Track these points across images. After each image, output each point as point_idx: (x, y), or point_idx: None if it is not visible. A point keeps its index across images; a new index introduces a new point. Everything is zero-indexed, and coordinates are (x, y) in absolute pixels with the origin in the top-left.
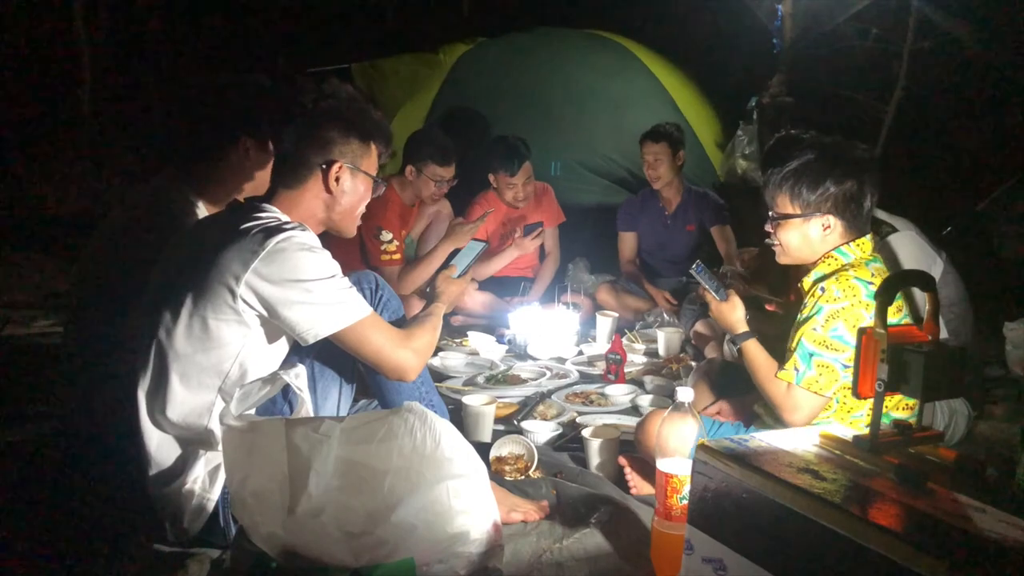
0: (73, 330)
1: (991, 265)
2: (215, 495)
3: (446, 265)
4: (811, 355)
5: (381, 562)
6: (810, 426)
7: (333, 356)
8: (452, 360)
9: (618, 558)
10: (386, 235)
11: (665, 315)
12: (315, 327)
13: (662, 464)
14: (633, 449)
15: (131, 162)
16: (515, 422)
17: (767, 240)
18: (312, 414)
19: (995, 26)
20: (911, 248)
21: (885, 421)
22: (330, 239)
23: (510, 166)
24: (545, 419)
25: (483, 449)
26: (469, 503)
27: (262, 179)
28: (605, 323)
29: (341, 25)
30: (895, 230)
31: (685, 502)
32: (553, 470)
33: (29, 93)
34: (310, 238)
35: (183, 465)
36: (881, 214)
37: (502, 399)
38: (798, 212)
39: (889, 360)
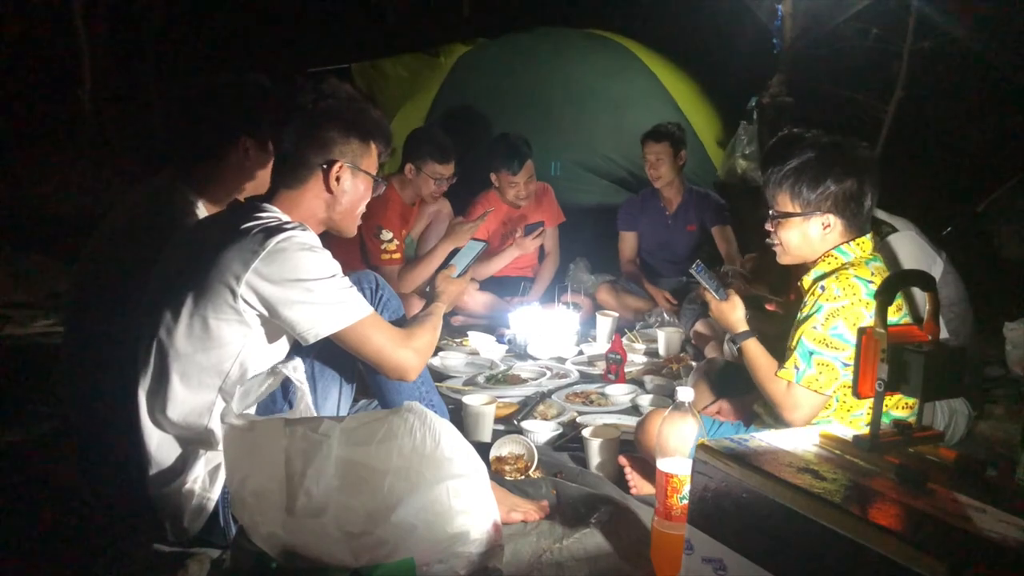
0: (73, 330)
1: (991, 265)
2: (215, 495)
3: (446, 264)
4: (811, 353)
5: (381, 562)
6: (810, 426)
7: (333, 356)
8: (452, 360)
9: (618, 558)
10: (386, 234)
11: (665, 315)
12: (316, 327)
13: (662, 464)
14: (633, 449)
15: (131, 162)
16: (515, 422)
17: (767, 240)
18: (312, 406)
19: (995, 26)
20: (911, 248)
21: (885, 420)
22: (330, 239)
23: (512, 164)
24: (545, 419)
25: (483, 449)
26: (469, 503)
27: (262, 179)
28: (605, 323)
29: (341, 25)
30: (895, 230)
31: (685, 502)
32: (553, 470)
33: (29, 93)
34: (311, 238)
35: (183, 465)
36: (881, 214)
37: (502, 399)
38: (798, 211)
39: (889, 360)
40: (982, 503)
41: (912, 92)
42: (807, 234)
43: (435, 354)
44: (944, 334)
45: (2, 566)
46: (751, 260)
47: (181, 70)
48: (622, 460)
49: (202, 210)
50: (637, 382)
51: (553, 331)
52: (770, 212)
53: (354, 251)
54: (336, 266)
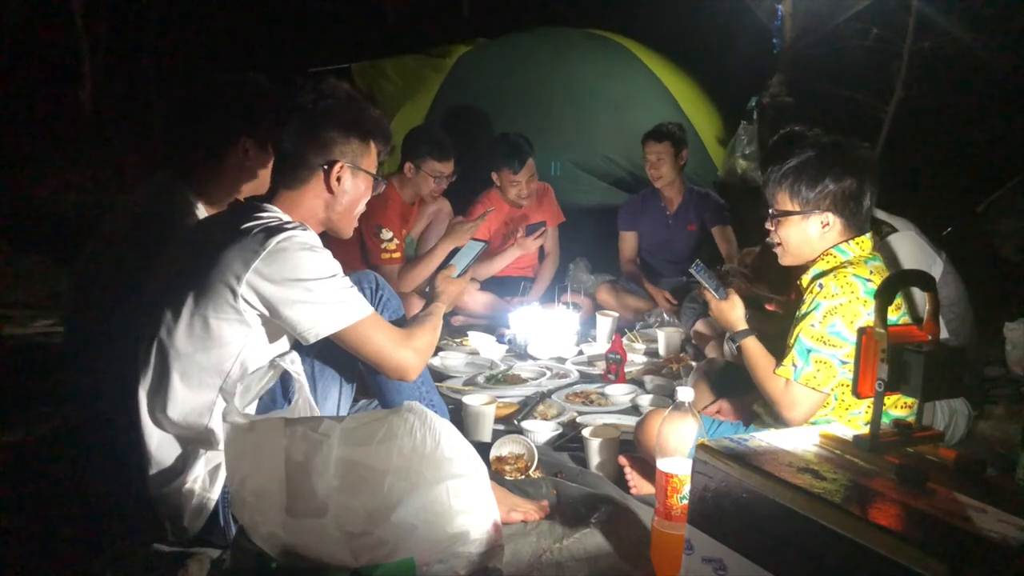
0: (73, 330)
1: (991, 265)
2: (215, 494)
3: (446, 264)
4: (809, 351)
5: (381, 562)
6: (810, 426)
7: (333, 356)
8: (452, 360)
9: (618, 558)
10: (386, 233)
11: (665, 315)
12: (316, 326)
13: (662, 464)
14: (633, 449)
15: (131, 162)
16: (515, 422)
17: (768, 240)
18: (311, 399)
19: (995, 26)
20: (911, 248)
21: (884, 420)
22: (330, 238)
23: (513, 163)
24: (545, 419)
25: (483, 449)
26: (469, 503)
27: (262, 179)
28: (605, 323)
29: (341, 25)
30: (895, 230)
31: (685, 502)
32: (553, 470)
33: (29, 93)
34: (311, 237)
35: (183, 464)
36: (881, 214)
37: (502, 399)
38: (797, 209)
39: (889, 360)
40: (982, 503)
41: (912, 92)
42: (806, 233)
43: (435, 354)
44: (944, 334)
45: (2, 566)
46: (750, 254)
47: (181, 70)
48: (622, 460)
49: (202, 210)
50: (637, 382)
51: (553, 331)
52: (770, 211)
53: (354, 251)
54: (337, 266)
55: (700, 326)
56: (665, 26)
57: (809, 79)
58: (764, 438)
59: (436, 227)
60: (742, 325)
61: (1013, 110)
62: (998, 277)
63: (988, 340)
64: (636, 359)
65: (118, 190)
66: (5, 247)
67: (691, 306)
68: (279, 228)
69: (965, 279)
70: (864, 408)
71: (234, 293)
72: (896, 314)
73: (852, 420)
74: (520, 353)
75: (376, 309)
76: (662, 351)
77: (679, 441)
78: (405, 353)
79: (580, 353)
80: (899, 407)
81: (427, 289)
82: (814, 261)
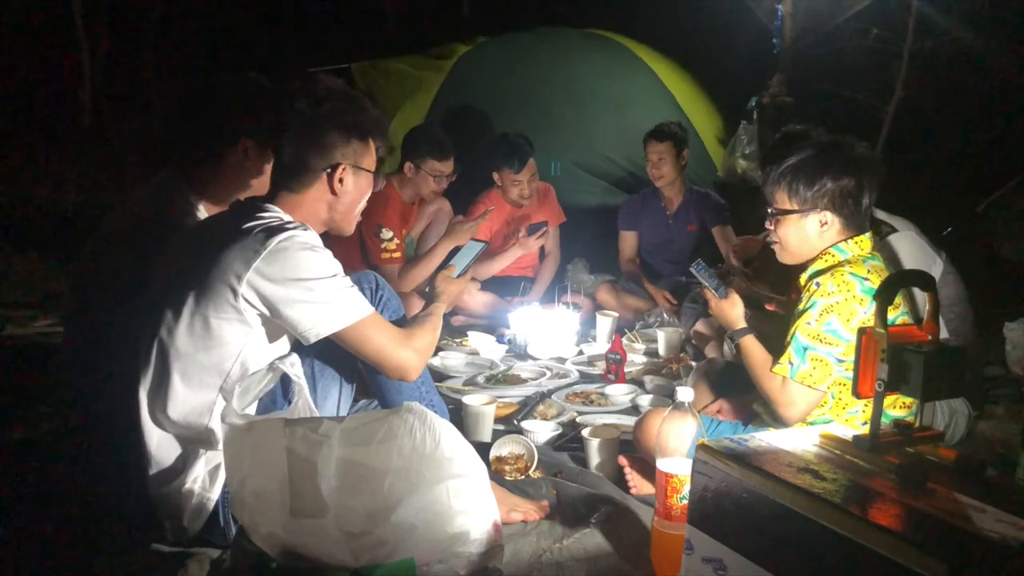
0: (73, 330)
1: (991, 265)
2: (215, 495)
3: (445, 264)
4: (805, 349)
5: (381, 562)
6: (808, 425)
7: (333, 356)
8: (452, 360)
9: (618, 558)
10: (386, 233)
11: (665, 315)
12: (317, 326)
13: (662, 464)
14: (633, 449)
15: (131, 162)
16: (515, 422)
17: (768, 239)
18: (311, 401)
19: (995, 26)
20: (911, 248)
21: (883, 420)
22: (331, 238)
23: (514, 163)
24: (545, 419)
25: (483, 449)
26: (469, 503)
27: (263, 179)
28: (605, 323)
29: (341, 25)
30: (895, 230)
31: (685, 502)
32: (553, 470)
33: (29, 93)
34: (312, 237)
35: (183, 464)
36: (881, 214)
37: (502, 399)
38: (795, 208)
39: (889, 360)
40: (982, 503)
41: (912, 92)
42: (804, 231)
43: (435, 354)
44: (944, 334)
45: (2, 566)
46: (750, 243)
47: (181, 70)
48: (622, 460)
49: (202, 211)
50: (637, 382)
51: (553, 331)
52: (769, 210)
53: (354, 251)
54: (337, 265)
55: (700, 326)
56: (665, 26)
57: (809, 79)
58: (764, 438)
59: (436, 227)
60: (741, 324)
61: (1013, 110)
62: (998, 277)
63: (988, 340)
64: (636, 359)
65: (118, 190)
66: (5, 247)
67: (691, 306)
68: (280, 228)
69: (965, 279)
70: (861, 407)
71: (235, 293)
72: (894, 313)
73: (850, 419)
74: (520, 353)
75: (376, 309)
76: (662, 351)
77: (679, 441)
78: (405, 353)
79: (580, 353)
80: (897, 407)
81: (427, 289)
82: (813, 260)
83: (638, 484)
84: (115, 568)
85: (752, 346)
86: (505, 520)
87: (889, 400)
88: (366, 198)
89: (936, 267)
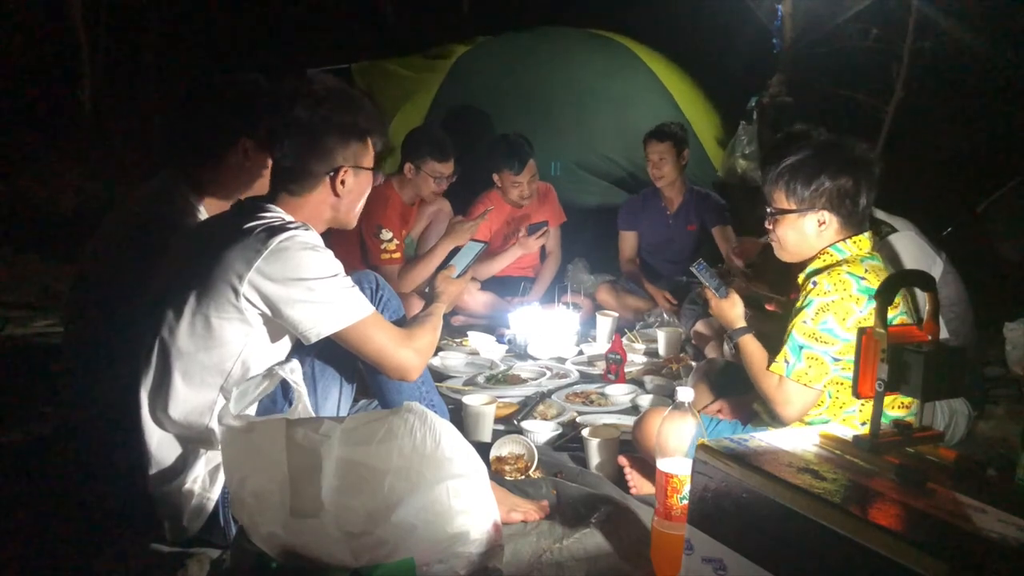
0: (73, 330)
1: (991, 265)
2: (215, 495)
3: (445, 264)
4: (801, 347)
5: (381, 562)
6: (806, 425)
7: (334, 356)
8: (452, 360)
9: (618, 558)
10: (386, 234)
11: (665, 315)
12: (317, 326)
13: (662, 464)
14: (633, 449)
15: (131, 162)
16: (515, 422)
17: (767, 237)
18: (310, 407)
19: (995, 26)
20: (911, 248)
21: (883, 420)
22: (330, 239)
23: (514, 164)
24: (545, 419)
25: (483, 449)
26: (469, 503)
27: (263, 179)
28: (605, 323)
29: (341, 25)
30: (894, 230)
31: (685, 502)
32: (553, 470)
33: (29, 93)
34: (313, 237)
35: (183, 464)
36: (880, 214)
37: (502, 399)
38: (793, 207)
39: (889, 360)
40: (982, 503)
41: (912, 92)
42: (803, 231)
43: (435, 354)
44: (944, 334)
45: (2, 566)
46: (750, 244)
47: (181, 70)
48: (622, 460)
49: (202, 211)
50: (637, 382)
51: (553, 331)
52: (767, 209)
53: (354, 251)
54: (338, 265)
55: (700, 326)
56: (665, 26)
57: (809, 79)
58: (764, 438)
59: (436, 227)
60: (741, 323)
61: (1013, 110)
62: (998, 277)
63: (988, 340)
64: (636, 359)
65: (118, 190)
66: (5, 247)
67: (691, 306)
68: (281, 228)
69: (965, 279)
70: (858, 407)
71: (236, 292)
72: (892, 313)
73: (847, 419)
74: (520, 353)
75: (376, 309)
76: (662, 351)
77: (679, 441)
78: (406, 353)
79: (580, 353)
80: (896, 407)
81: (427, 289)
82: (812, 259)
83: (638, 484)
84: (115, 568)
85: (751, 345)
86: (505, 520)
87: (888, 400)
88: (367, 193)
89: (936, 267)
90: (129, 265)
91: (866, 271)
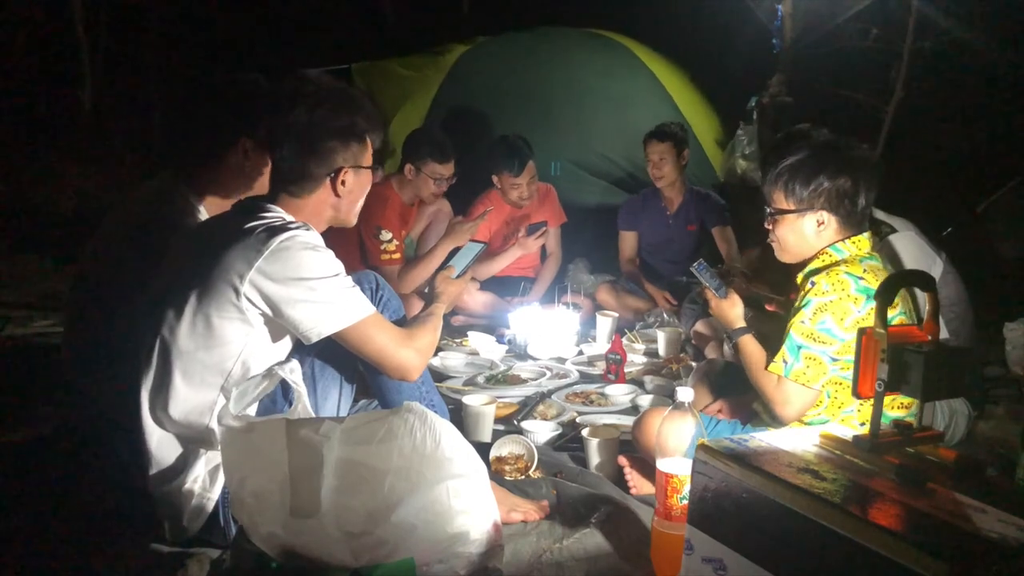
0: (73, 330)
1: (991, 265)
2: (215, 495)
3: (445, 265)
4: (799, 347)
5: (381, 562)
6: (805, 425)
7: (334, 356)
8: (452, 360)
9: (618, 558)
10: (386, 235)
11: (665, 315)
12: (318, 325)
13: (662, 464)
14: (633, 449)
15: (131, 162)
16: (515, 422)
17: (768, 238)
18: (310, 408)
19: (995, 26)
20: (911, 248)
21: (882, 421)
22: (329, 239)
23: (513, 166)
24: (545, 419)
25: (483, 449)
26: (469, 503)
27: (263, 180)
28: (605, 323)
29: (341, 25)
30: (894, 230)
31: (685, 502)
32: (553, 470)
33: (29, 93)
34: (314, 237)
35: (183, 464)
36: (880, 214)
37: (502, 399)
38: (792, 208)
39: (889, 360)
40: (982, 503)
41: (912, 92)
42: (802, 231)
43: (435, 354)
44: (944, 334)
45: (2, 566)
46: (750, 257)
47: (181, 70)
48: (622, 460)
49: (202, 210)
50: (637, 382)
51: (553, 331)
52: (767, 209)
53: (354, 251)
54: (339, 265)
55: (700, 326)
56: (665, 26)
57: (809, 79)
58: (764, 438)
59: (436, 227)
60: (740, 323)
61: (1013, 110)
62: (998, 277)
63: (988, 340)
64: (636, 359)
65: (118, 190)
66: (5, 247)
67: (691, 306)
68: (282, 228)
69: (965, 279)
70: (857, 407)
71: (237, 292)
72: (891, 312)
73: (845, 419)
74: (520, 353)
75: (377, 309)
76: (662, 351)
77: (679, 441)
78: (407, 353)
79: (580, 353)
80: (895, 407)
81: (426, 290)
82: (811, 259)
83: (638, 484)
84: (115, 568)
85: (750, 346)
86: (505, 520)
87: (887, 400)
88: (367, 191)
89: (936, 267)
90: (129, 265)
91: (864, 271)
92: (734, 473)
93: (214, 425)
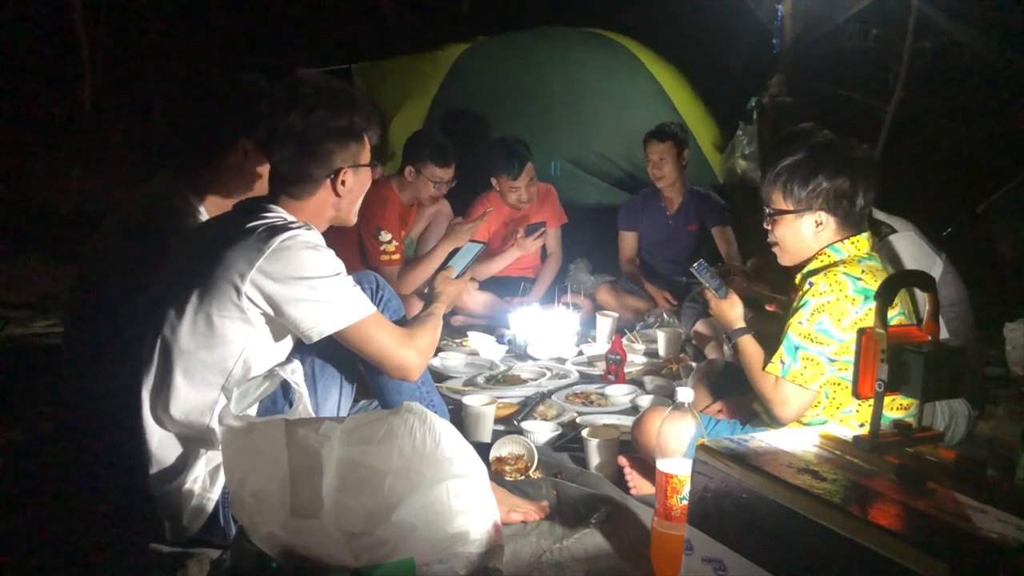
0: (73, 330)
1: (991, 265)
2: (215, 495)
3: (444, 265)
4: (796, 348)
5: (381, 562)
6: (804, 426)
7: (334, 356)
8: (452, 360)
9: (618, 558)
10: (385, 235)
11: (665, 315)
12: (319, 324)
13: (662, 464)
14: (633, 449)
15: (131, 162)
16: (515, 422)
17: (768, 239)
18: (311, 408)
19: (995, 26)
20: (911, 248)
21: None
22: (329, 240)
23: (512, 169)
24: (545, 419)
25: (483, 449)
26: (469, 503)
27: (263, 180)
28: (605, 323)
29: (341, 25)
30: (894, 230)
31: (685, 502)
32: (553, 470)
33: (29, 93)
34: (315, 237)
35: (184, 464)
36: (880, 214)
37: (502, 399)
38: (790, 208)
39: (889, 360)
40: (982, 503)
41: (912, 92)
42: (800, 232)
43: (435, 354)
44: (944, 334)
45: (2, 566)
46: (752, 261)
47: (181, 70)
48: (622, 460)
49: (202, 210)
50: (637, 382)
51: (553, 331)
52: (766, 210)
53: (353, 252)
54: (340, 265)
55: (700, 327)
56: (665, 26)
57: (809, 79)
58: (764, 438)
59: (435, 228)
60: (740, 324)
61: (1013, 110)
62: (998, 277)
63: (988, 340)
64: (636, 359)
65: (118, 190)
66: (5, 247)
67: (691, 306)
68: (283, 227)
69: (965, 279)
70: (855, 408)
71: (238, 291)
72: (890, 312)
73: (844, 420)
74: (520, 353)
75: (377, 309)
76: (662, 351)
77: (679, 441)
78: (407, 352)
79: (580, 353)
80: (895, 408)
81: (426, 290)
82: (809, 260)
83: (638, 484)
84: (115, 568)
85: (749, 346)
86: (505, 520)
87: (886, 401)
88: (367, 188)
89: (936, 267)
90: (129, 265)
91: (863, 271)
92: (734, 473)
93: (215, 425)
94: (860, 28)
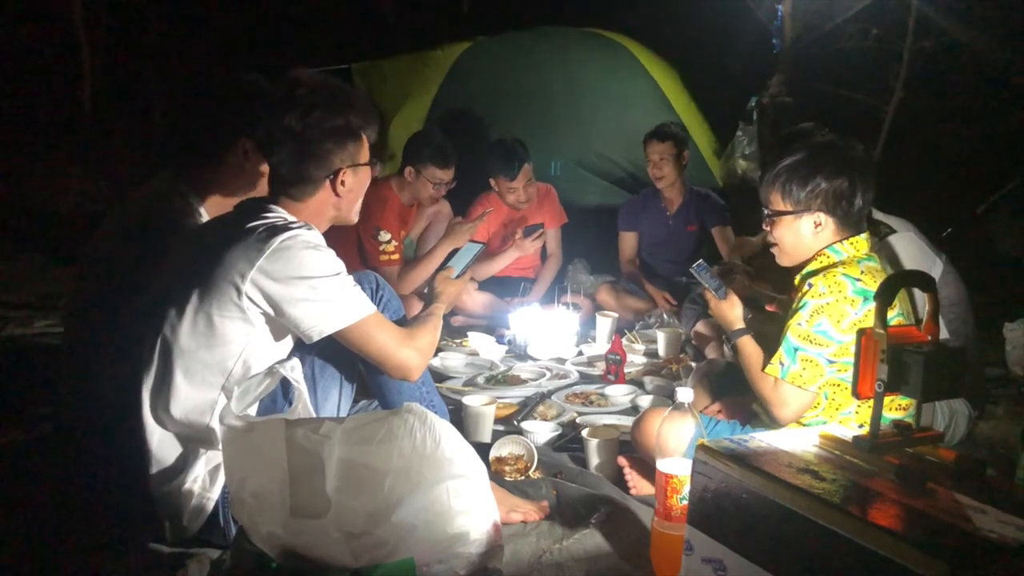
0: (73, 329)
1: (991, 265)
2: (215, 495)
3: (444, 265)
4: (796, 349)
5: (381, 562)
6: (803, 427)
7: (334, 356)
8: (452, 360)
9: (618, 558)
10: (384, 236)
11: (665, 315)
12: (320, 324)
13: (662, 464)
14: (633, 449)
15: (131, 162)
16: (515, 422)
17: (768, 240)
18: (311, 406)
19: (995, 26)
20: (911, 248)
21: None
22: (328, 240)
23: (509, 170)
24: (545, 419)
25: (483, 449)
26: (469, 503)
27: (262, 180)
28: (605, 323)
29: (341, 25)
30: (893, 231)
31: (685, 502)
32: (553, 470)
33: (29, 93)
34: (315, 236)
35: (184, 464)
36: (880, 215)
37: (502, 399)
38: (789, 209)
39: (889, 360)
40: (982, 503)
41: (912, 92)
42: (799, 232)
43: (435, 355)
44: (944, 334)
45: (2, 566)
46: (745, 244)
47: (181, 70)
48: (621, 460)
49: (202, 211)
50: (637, 383)
51: (553, 332)
52: (765, 211)
53: (353, 252)
54: (340, 264)
55: (700, 327)
56: (665, 26)
57: (809, 79)
58: (764, 439)
59: (435, 228)
60: (740, 324)
61: (1013, 110)
62: (998, 277)
63: (988, 340)
64: (636, 360)
65: (118, 190)
66: (5, 247)
67: (691, 307)
68: (284, 227)
69: (965, 279)
70: (855, 408)
71: (238, 291)
72: (889, 313)
73: (843, 420)
74: (520, 354)
75: (377, 309)
76: (662, 352)
77: (678, 442)
78: (407, 352)
79: (580, 354)
80: (894, 408)
81: (425, 290)
82: (808, 261)
83: (638, 484)
84: (115, 568)
85: (749, 347)
86: (505, 520)
87: (886, 401)
88: (367, 185)
89: (936, 268)
90: (129, 265)
91: (862, 272)
92: (734, 473)
93: (215, 424)
94: (860, 28)
